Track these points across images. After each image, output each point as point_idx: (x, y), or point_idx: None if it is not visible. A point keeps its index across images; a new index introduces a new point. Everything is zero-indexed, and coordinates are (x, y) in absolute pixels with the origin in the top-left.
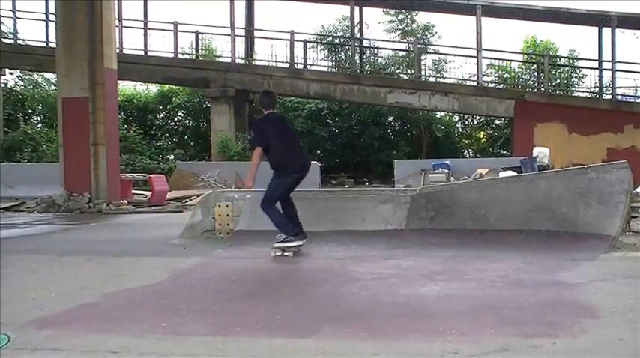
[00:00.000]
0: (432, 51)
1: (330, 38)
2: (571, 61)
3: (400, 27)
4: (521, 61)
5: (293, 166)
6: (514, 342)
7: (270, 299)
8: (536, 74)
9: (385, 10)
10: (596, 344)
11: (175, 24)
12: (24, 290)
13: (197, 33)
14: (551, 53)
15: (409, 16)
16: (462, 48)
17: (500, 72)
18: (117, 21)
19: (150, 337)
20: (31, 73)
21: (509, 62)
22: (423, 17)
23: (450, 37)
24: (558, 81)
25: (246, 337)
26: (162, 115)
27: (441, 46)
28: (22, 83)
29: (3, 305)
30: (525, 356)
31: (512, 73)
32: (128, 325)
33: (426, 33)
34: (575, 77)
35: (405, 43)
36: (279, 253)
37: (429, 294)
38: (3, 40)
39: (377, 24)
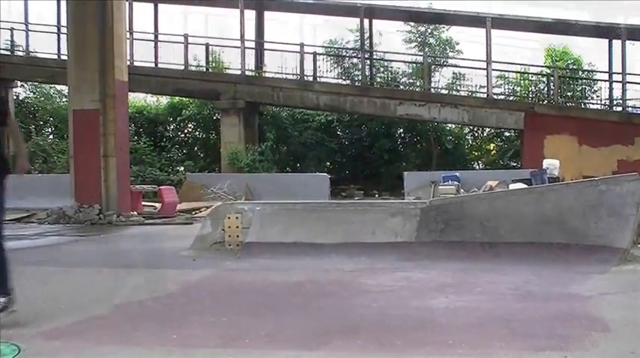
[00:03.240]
0: (443, 63)
1: (340, 50)
2: (582, 73)
3: (419, 39)
4: (532, 73)
5: None
6: (524, 356)
7: (280, 312)
8: (546, 86)
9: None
10: (607, 357)
11: (186, 36)
12: (34, 301)
13: (207, 45)
14: (571, 64)
15: (429, 29)
16: (472, 60)
17: (510, 84)
18: (127, 33)
19: (160, 349)
20: (42, 85)
21: (519, 74)
22: (444, 32)
23: (467, 50)
24: (570, 93)
25: (256, 349)
26: (172, 127)
27: (452, 58)
28: (33, 95)
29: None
30: None
31: (525, 83)
32: (138, 337)
33: (446, 46)
34: (589, 90)
35: (415, 55)
36: None
37: (438, 307)
38: (15, 52)
39: (394, 33)
